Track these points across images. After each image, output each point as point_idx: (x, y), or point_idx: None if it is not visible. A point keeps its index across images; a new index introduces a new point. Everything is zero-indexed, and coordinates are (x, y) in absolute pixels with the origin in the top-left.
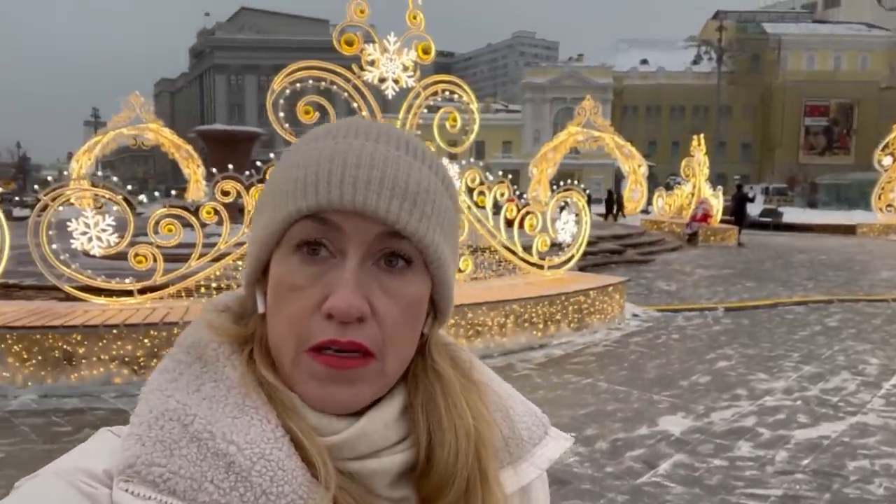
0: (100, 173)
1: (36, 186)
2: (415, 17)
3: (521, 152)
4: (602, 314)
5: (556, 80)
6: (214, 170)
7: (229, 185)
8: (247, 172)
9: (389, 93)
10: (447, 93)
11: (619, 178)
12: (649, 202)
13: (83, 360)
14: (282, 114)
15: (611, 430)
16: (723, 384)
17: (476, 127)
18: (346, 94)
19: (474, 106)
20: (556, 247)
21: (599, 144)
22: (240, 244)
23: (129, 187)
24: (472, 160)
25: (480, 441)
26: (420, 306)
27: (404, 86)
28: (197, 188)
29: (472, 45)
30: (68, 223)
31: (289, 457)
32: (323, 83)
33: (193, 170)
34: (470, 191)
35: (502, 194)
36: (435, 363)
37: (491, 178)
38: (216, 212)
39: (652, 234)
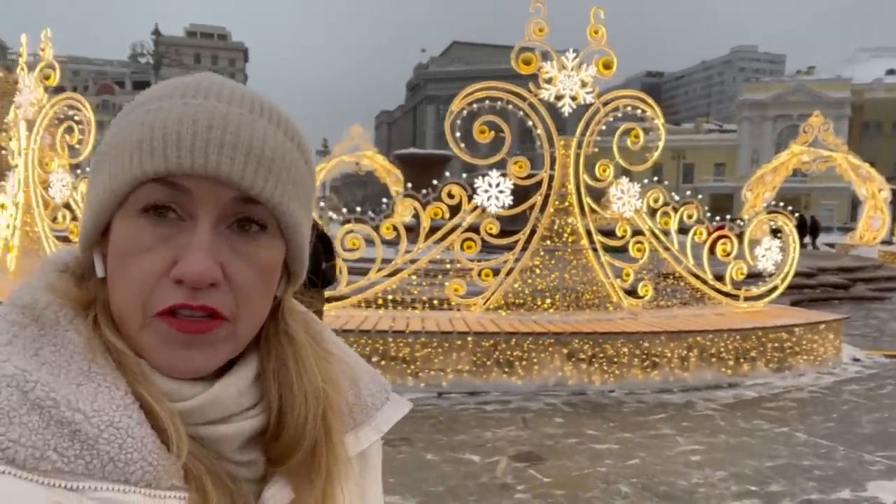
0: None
1: None
2: (596, 32)
3: (736, 175)
4: (810, 355)
5: (780, 95)
6: (396, 189)
7: (407, 203)
8: (423, 191)
9: (566, 110)
10: (629, 108)
11: (854, 203)
12: (893, 232)
13: None
14: (458, 133)
15: (803, 490)
16: None
17: (661, 144)
18: (521, 112)
19: (660, 122)
20: (756, 277)
21: (830, 166)
22: (414, 260)
23: (346, 209)
24: (654, 179)
25: (328, 403)
26: (274, 271)
27: (582, 102)
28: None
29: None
30: None
31: (139, 424)
32: (499, 103)
33: (397, 192)
34: (653, 212)
35: (690, 216)
36: (288, 326)
37: (677, 197)
38: (394, 228)
39: (891, 267)
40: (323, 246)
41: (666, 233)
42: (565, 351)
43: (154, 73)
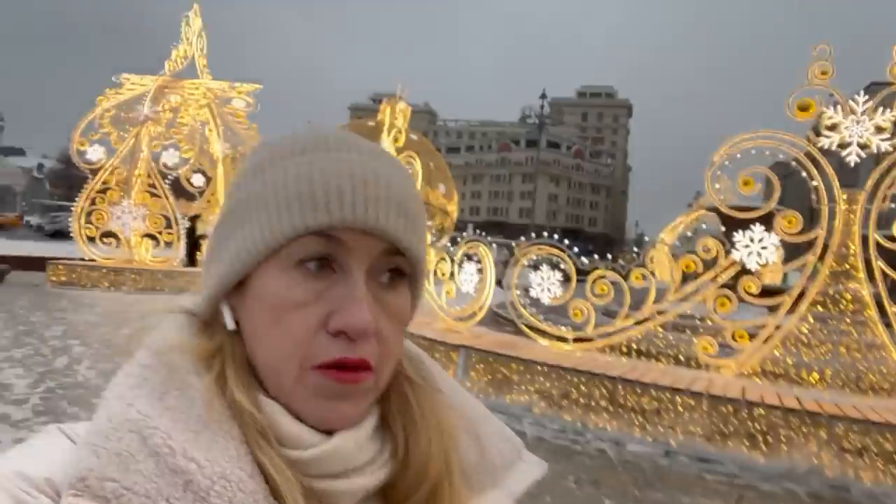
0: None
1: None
2: None
3: None
4: None
5: None
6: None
7: (661, 253)
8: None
9: (852, 159)
10: None
11: None
12: None
13: (515, 387)
14: (717, 186)
15: None
16: None
17: None
18: (793, 162)
19: None
20: None
21: None
22: (661, 312)
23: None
24: None
25: (451, 443)
26: (409, 319)
27: (874, 151)
28: None
29: None
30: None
31: (251, 477)
32: (768, 152)
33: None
34: None
35: None
36: (405, 370)
37: None
38: (644, 277)
39: None
40: None
41: None
42: (825, 435)
43: (538, 132)
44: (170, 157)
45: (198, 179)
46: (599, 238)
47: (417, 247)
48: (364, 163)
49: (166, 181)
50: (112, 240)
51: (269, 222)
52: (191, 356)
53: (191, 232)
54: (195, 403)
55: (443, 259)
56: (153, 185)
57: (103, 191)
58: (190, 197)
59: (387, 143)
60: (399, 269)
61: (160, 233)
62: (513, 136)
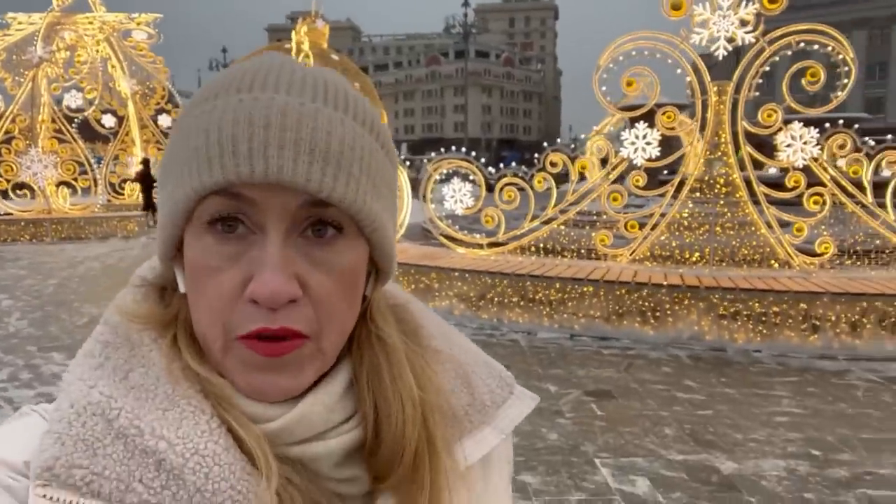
0: None
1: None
2: None
3: None
4: None
5: None
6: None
7: (557, 157)
8: (572, 145)
9: (720, 53)
10: (802, 44)
11: None
12: None
13: (436, 294)
14: (604, 88)
15: (863, 464)
16: None
17: (850, 82)
18: (669, 60)
19: (849, 57)
20: None
21: None
22: (564, 211)
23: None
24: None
25: (428, 409)
26: (357, 275)
27: (740, 43)
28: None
29: None
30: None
31: (226, 450)
32: (646, 52)
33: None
34: (835, 159)
35: (893, 163)
36: (379, 329)
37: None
38: (545, 179)
39: None
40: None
41: (857, 184)
42: (703, 306)
43: (465, 42)
44: (73, 99)
45: (108, 120)
46: (535, 146)
47: (349, 194)
48: (273, 102)
49: (73, 125)
50: (26, 191)
51: (177, 183)
52: (152, 329)
53: (145, 177)
54: (160, 381)
55: None
56: (60, 131)
57: (7, 140)
58: (104, 139)
59: None
60: (330, 221)
61: (75, 179)
62: (441, 48)
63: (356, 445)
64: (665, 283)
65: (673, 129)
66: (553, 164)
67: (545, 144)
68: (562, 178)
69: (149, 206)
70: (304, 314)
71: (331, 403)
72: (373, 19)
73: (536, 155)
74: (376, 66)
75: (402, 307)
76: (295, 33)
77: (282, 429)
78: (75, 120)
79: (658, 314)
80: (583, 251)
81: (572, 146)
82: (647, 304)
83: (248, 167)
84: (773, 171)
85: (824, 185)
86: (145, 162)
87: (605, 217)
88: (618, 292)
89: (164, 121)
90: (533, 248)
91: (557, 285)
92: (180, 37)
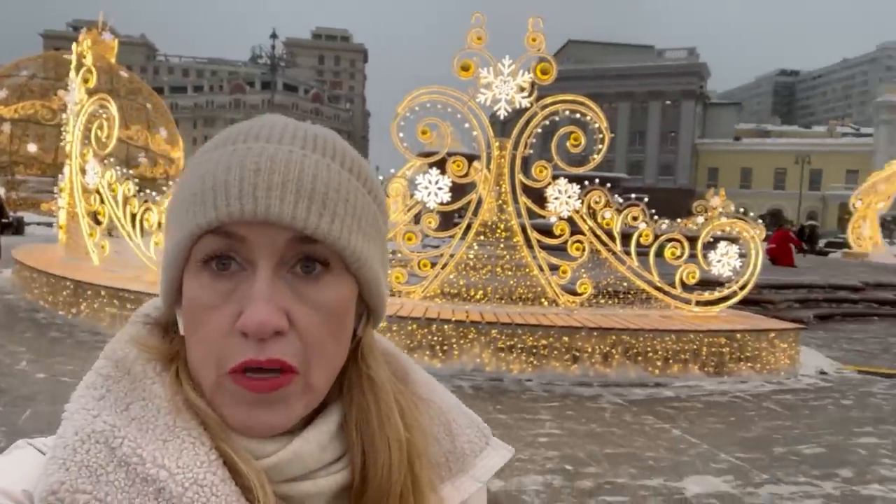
0: None
1: None
2: (534, 40)
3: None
4: (756, 363)
5: None
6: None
7: None
8: None
9: (501, 113)
10: (567, 112)
11: None
12: None
13: None
14: (402, 134)
15: (616, 474)
16: (831, 460)
17: (604, 147)
18: (458, 115)
19: (602, 125)
20: (719, 284)
21: None
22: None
23: None
24: (597, 182)
25: (415, 453)
26: (344, 311)
27: (518, 106)
28: None
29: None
30: None
31: (223, 481)
32: (439, 105)
33: None
34: (594, 213)
35: (635, 218)
36: (369, 369)
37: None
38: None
39: None
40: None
41: (609, 233)
42: (484, 340)
43: (273, 74)
44: None
45: None
46: None
47: (334, 231)
48: (264, 150)
49: None
50: None
51: (176, 227)
52: (152, 364)
53: None
54: (161, 412)
55: (149, 209)
56: None
57: None
58: None
59: (76, 82)
60: (316, 257)
61: None
62: (246, 76)
63: (344, 486)
64: (452, 318)
65: (465, 175)
66: None
67: None
68: None
69: None
70: (291, 347)
71: (324, 442)
72: (172, 41)
73: None
74: (172, 87)
75: (393, 355)
76: (77, 44)
77: (275, 465)
78: None
79: (446, 348)
80: None
81: None
82: (435, 338)
83: (238, 207)
84: (553, 219)
85: (584, 234)
86: None
87: (399, 256)
88: (409, 328)
89: None
90: None
91: None
92: None
